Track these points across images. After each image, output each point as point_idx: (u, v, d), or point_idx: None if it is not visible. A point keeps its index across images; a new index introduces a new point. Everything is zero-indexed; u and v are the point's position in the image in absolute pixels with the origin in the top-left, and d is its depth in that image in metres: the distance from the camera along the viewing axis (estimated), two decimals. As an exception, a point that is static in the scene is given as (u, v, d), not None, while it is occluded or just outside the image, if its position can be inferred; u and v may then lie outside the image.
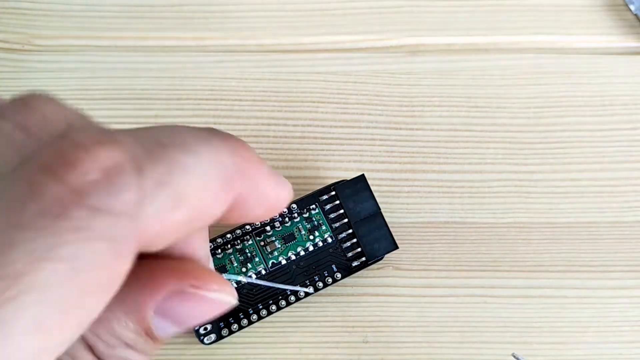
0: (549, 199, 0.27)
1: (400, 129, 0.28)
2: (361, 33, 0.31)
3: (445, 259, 0.25)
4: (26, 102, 0.14)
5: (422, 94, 0.29)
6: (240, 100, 0.29)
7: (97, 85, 0.29)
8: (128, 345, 0.16)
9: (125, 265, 0.13)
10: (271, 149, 0.28)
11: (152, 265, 0.16)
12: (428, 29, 0.31)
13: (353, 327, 0.24)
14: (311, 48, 0.31)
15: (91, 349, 0.15)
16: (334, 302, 0.25)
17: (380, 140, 0.28)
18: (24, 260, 0.11)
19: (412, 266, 0.25)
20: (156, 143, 0.13)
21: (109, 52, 0.30)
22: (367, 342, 0.24)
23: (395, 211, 0.27)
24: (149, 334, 0.16)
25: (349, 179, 0.25)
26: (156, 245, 0.14)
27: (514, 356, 0.22)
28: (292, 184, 0.27)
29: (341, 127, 0.27)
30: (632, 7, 0.31)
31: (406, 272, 0.25)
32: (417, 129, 0.28)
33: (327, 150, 0.28)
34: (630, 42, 0.31)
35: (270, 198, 0.16)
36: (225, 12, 0.32)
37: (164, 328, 0.16)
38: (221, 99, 0.29)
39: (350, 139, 0.28)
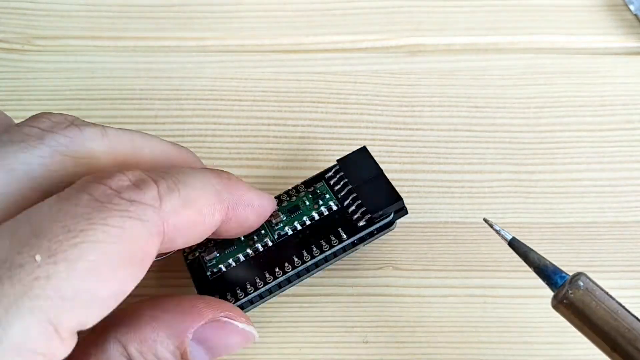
0: (549, 199, 0.27)
1: (400, 129, 0.28)
2: (361, 33, 0.31)
3: (445, 258, 0.25)
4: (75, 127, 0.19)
5: (422, 94, 0.29)
6: (240, 100, 0.29)
7: (97, 86, 0.29)
8: None
9: (154, 244, 0.17)
10: (271, 149, 0.28)
11: (193, 300, 0.20)
12: (428, 29, 0.31)
13: (353, 327, 0.24)
14: (311, 48, 0.31)
15: None
16: (334, 302, 0.25)
17: (380, 140, 0.28)
18: (84, 222, 0.16)
19: (412, 266, 0.25)
20: (165, 169, 0.19)
21: (109, 52, 0.31)
22: (367, 342, 0.24)
23: (395, 211, 0.27)
24: (184, 358, 0.19)
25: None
26: (176, 241, 0.18)
27: (485, 221, 0.21)
28: (292, 184, 0.27)
29: (341, 127, 0.27)
30: (631, 7, 0.31)
31: (406, 272, 0.25)
32: (417, 129, 0.28)
33: (327, 150, 0.28)
34: (630, 42, 0.31)
35: (255, 205, 0.22)
36: (225, 12, 0.32)
37: (197, 354, 0.20)
38: (221, 99, 0.29)
39: (350, 139, 0.28)
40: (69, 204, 0.16)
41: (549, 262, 0.19)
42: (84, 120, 0.20)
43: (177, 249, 0.20)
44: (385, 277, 0.25)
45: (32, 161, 0.18)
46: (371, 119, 0.29)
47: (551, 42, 0.31)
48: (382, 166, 0.27)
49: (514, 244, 0.20)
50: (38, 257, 0.15)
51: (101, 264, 0.16)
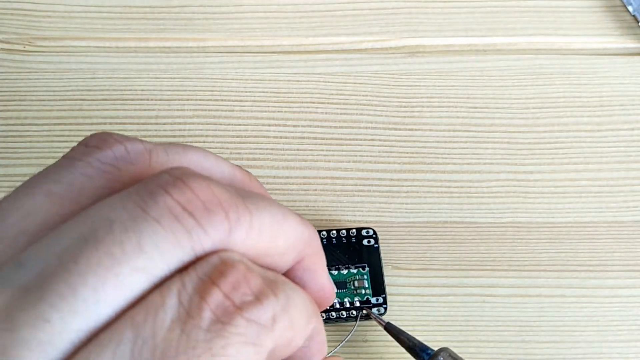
0: (547, 199, 0.27)
1: (400, 129, 0.29)
2: (361, 34, 0.31)
3: (444, 258, 0.26)
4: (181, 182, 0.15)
5: (421, 94, 0.29)
6: (240, 100, 0.29)
7: (98, 86, 0.29)
8: None
9: None
10: (271, 149, 0.28)
11: None
12: (427, 30, 0.31)
13: (353, 326, 0.24)
14: (311, 49, 0.31)
15: None
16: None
17: (380, 140, 0.28)
18: (205, 356, 0.14)
19: (411, 265, 0.25)
20: (273, 278, 0.16)
21: (110, 53, 0.31)
22: (367, 341, 0.24)
23: (394, 211, 0.27)
24: None
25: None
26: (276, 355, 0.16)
27: (365, 311, 0.24)
28: (292, 184, 0.27)
29: (341, 127, 0.27)
30: (630, 9, 0.31)
31: (405, 272, 0.25)
32: (416, 130, 0.29)
33: (327, 150, 0.28)
34: (628, 43, 0.31)
35: (325, 288, 0.19)
36: (225, 13, 0.32)
37: None
38: (222, 100, 0.29)
39: (349, 140, 0.28)
40: (189, 332, 0.14)
41: (418, 341, 0.22)
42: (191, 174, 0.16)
43: None
44: (384, 277, 0.25)
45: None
46: (371, 120, 0.29)
47: (549, 43, 0.31)
48: (381, 166, 0.27)
49: (388, 328, 0.23)
50: None
51: None
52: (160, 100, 0.29)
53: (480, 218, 0.26)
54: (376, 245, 0.25)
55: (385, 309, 0.24)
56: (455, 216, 0.26)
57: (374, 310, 0.24)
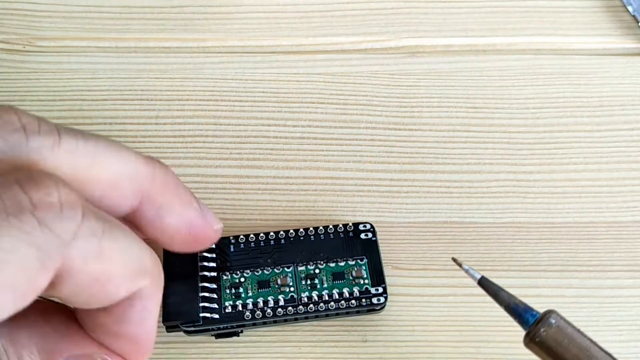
0: (547, 199, 0.27)
1: (399, 129, 0.29)
2: (360, 34, 0.31)
3: (444, 258, 0.26)
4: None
5: (421, 94, 0.29)
6: (240, 101, 0.29)
7: (98, 86, 0.29)
8: None
9: (43, 279, 0.15)
10: (271, 149, 0.28)
11: (87, 322, 0.18)
12: (427, 30, 0.31)
13: (353, 326, 0.24)
14: (311, 49, 0.31)
15: None
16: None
17: (380, 140, 0.28)
18: None
19: (411, 266, 0.25)
20: (107, 217, 0.16)
21: (110, 53, 0.31)
22: (366, 341, 0.24)
23: (394, 211, 0.27)
24: None
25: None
26: (63, 287, 0.16)
27: (454, 260, 0.22)
28: (292, 184, 0.27)
29: (340, 127, 0.27)
30: (630, 9, 0.31)
31: (405, 272, 0.25)
32: (416, 130, 0.29)
33: (326, 150, 0.28)
34: (628, 43, 0.31)
35: (180, 228, 0.19)
36: (225, 13, 0.32)
37: None
38: (221, 100, 0.29)
39: (349, 140, 0.28)
40: None
41: (519, 300, 0.20)
42: (46, 122, 0.17)
43: (60, 295, 0.17)
44: (384, 268, 0.25)
45: None
46: (370, 120, 0.29)
47: (549, 43, 0.31)
48: (381, 166, 0.27)
49: (483, 283, 0.20)
50: None
51: None
52: (160, 100, 0.29)
53: (480, 218, 0.26)
54: (374, 238, 0.25)
55: (386, 298, 0.24)
56: (455, 216, 0.26)
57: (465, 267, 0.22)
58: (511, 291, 0.25)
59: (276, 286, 0.23)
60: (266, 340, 0.24)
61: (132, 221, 0.20)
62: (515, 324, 0.24)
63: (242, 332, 0.24)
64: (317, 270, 0.24)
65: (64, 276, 0.15)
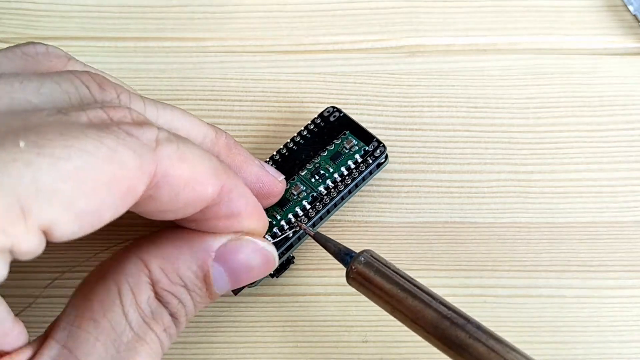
0: (548, 199, 0.27)
1: (400, 129, 0.28)
2: (361, 34, 0.31)
3: (444, 258, 0.26)
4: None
5: (422, 94, 0.29)
6: (240, 100, 0.29)
7: (97, 86, 0.29)
8: (187, 287, 0.20)
9: (142, 181, 0.17)
10: (271, 149, 0.28)
11: (215, 223, 0.20)
12: (427, 30, 0.31)
13: (353, 326, 0.24)
14: (311, 49, 0.31)
15: (153, 285, 0.19)
16: (333, 302, 0.25)
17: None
18: (80, 134, 0.16)
19: (412, 266, 0.25)
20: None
21: (110, 52, 0.31)
22: (367, 341, 0.24)
23: (394, 211, 0.27)
24: (207, 281, 0.20)
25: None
26: (162, 194, 0.18)
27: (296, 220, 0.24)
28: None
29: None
30: (630, 8, 0.31)
31: (405, 272, 0.25)
32: (416, 130, 0.28)
33: (326, 150, 0.28)
34: (629, 43, 0.31)
35: (249, 200, 0.21)
36: (225, 13, 0.32)
37: (219, 278, 0.20)
38: (221, 100, 0.29)
39: (349, 139, 0.28)
40: (67, 119, 0.17)
41: (344, 246, 0.22)
42: (134, 93, 0.21)
43: (162, 213, 0.19)
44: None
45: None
46: (371, 119, 0.29)
47: (550, 42, 0.31)
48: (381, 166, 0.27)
49: (316, 237, 0.23)
50: (22, 143, 0.15)
51: (86, 173, 0.16)
52: (160, 100, 0.29)
53: (481, 218, 0.26)
54: (342, 114, 0.27)
55: (385, 147, 0.26)
56: (456, 216, 0.26)
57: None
58: (512, 291, 0.25)
59: (294, 197, 0.25)
60: (266, 340, 0.24)
61: None
62: (516, 323, 0.24)
63: (294, 258, 0.25)
64: (317, 165, 0.26)
65: (160, 181, 0.17)
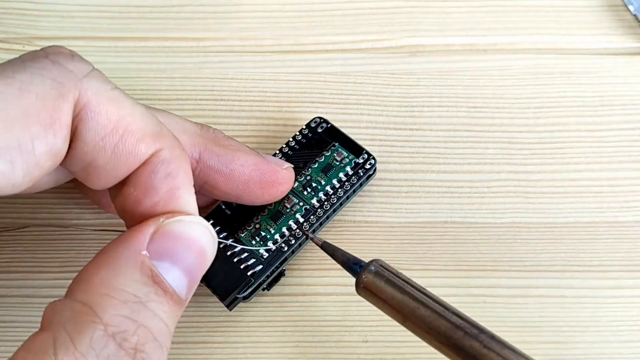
0: (548, 199, 0.27)
1: (400, 129, 0.28)
2: (361, 34, 0.31)
3: (444, 258, 0.26)
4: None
5: (422, 94, 0.29)
6: (240, 100, 0.29)
7: (97, 86, 0.29)
8: (141, 301, 0.16)
9: (63, 108, 0.16)
10: (271, 149, 0.28)
11: (130, 229, 0.18)
12: (427, 30, 0.31)
13: (353, 326, 0.24)
14: (311, 49, 0.31)
15: (101, 319, 0.16)
16: (333, 302, 0.25)
17: (380, 140, 0.28)
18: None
19: (412, 266, 0.25)
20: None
21: (110, 52, 0.31)
22: (367, 341, 0.24)
23: (394, 211, 0.27)
24: (157, 281, 0.17)
25: None
26: (88, 126, 0.17)
27: (301, 230, 0.24)
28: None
29: (340, 127, 0.27)
30: (631, 8, 0.31)
31: (405, 272, 0.25)
32: (416, 129, 0.28)
33: (326, 150, 0.28)
34: (629, 43, 0.31)
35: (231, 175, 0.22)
36: (225, 13, 0.32)
37: (167, 271, 0.17)
38: (221, 100, 0.29)
39: (349, 139, 0.28)
40: (4, 65, 0.17)
41: (352, 255, 0.21)
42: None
43: (95, 169, 0.18)
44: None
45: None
46: (371, 119, 0.29)
47: (550, 42, 0.31)
48: (381, 166, 0.27)
49: (324, 247, 0.22)
50: None
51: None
52: (160, 100, 0.29)
53: (481, 218, 0.26)
54: (329, 125, 0.27)
55: (375, 160, 0.26)
56: (456, 216, 0.26)
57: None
58: (512, 291, 0.25)
59: (287, 210, 0.25)
60: (266, 340, 0.24)
61: (206, 180, 0.22)
62: (516, 323, 0.24)
63: (285, 270, 0.25)
64: (308, 177, 0.26)
65: (81, 113, 0.17)
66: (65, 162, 0.18)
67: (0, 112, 0.15)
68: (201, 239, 0.18)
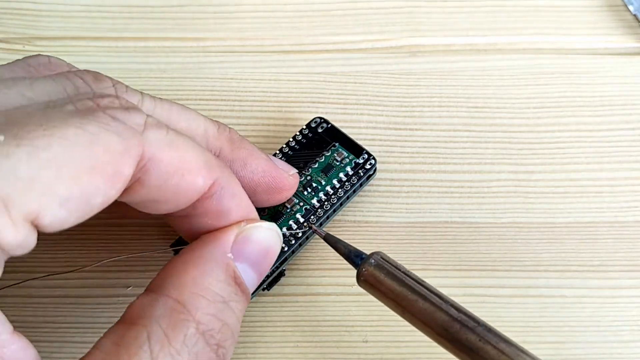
0: (548, 199, 0.27)
1: (400, 129, 0.28)
2: (361, 34, 0.31)
3: (444, 258, 0.26)
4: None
5: (422, 94, 0.29)
6: (240, 100, 0.29)
7: (97, 86, 0.29)
8: (225, 301, 0.18)
9: (127, 163, 0.17)
10: (271, 149, 0.28)
11: (205, 221, 0.20)
12: (428, 30, 0.31)
13: (353, 326, 0.24)
14: (311, 49, 0.31)
15: (193, 317, 0.17)
16: (333, 302, 0.25)
17: (380, 140, 0.28)
18: (60, 122, 0.16)
19: (412, 266, 0.25)
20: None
21: (110, 52, 0.31)
22: (367, 341, 0.24)
23: (394, 211, 0.27)
24: (238, 282, 0.19)
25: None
26: (150, 178, 0.18)
27: (307, 223, 0.25)
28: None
29: (341, 127, 0.27)
30: (631, 8, 0.31)
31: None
32: (416, 129, 0.28)
33: (326, 150, 0.28)
34: (629, 43, 0.31)
35: (242, 201, 0.21)
36: (225, 13, 0.32)
37: (246, 273, 0.19)
38: (221, 100, 0.29)
39: (350, 139, 0.28)
40: (52, 110, 0.17)
41: (354, 247, 0.22)
42: (131, 88, 0.21)
43: (154, 203, 0.19)
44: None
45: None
46: (371, 119, 0.29)
47: (550, 42, 0.31)
48: (381, 166, 0.27)
49: (327, 238, 0.22)
50: (1, 137, 0.15)
51: (65, 160, 0.16)
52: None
53: (481, 218, 0.26)
54: (330, 125, 0.27)
55: (375, 160, 0.26)
56: (456, 216, 0.26)
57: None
58: (512, 291, 0.25)
59: (287, 210, 0.25)
60: (266, 340, 0.24)
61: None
62: (516, 323, 0.24)
63: (285, 270, 0.25)
64: (309, 177, 0.25)
65: (148, 165, 0.17)
66: (121, 198, 0.18)
67: (72, 163, 0.16)
68: (275, 246, 0.21)
